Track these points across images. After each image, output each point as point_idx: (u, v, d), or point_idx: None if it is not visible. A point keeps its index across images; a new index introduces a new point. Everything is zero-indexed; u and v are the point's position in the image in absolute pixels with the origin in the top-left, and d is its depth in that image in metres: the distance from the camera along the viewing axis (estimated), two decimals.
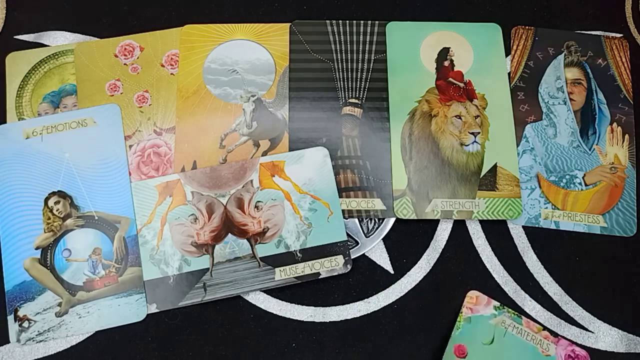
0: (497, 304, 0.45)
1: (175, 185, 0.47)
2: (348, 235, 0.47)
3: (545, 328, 0.44)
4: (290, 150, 0.48)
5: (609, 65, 0.53)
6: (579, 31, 0.54)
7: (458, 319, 0.44)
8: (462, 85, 0.51)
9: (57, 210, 0.46)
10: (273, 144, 0.49)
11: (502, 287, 0.47)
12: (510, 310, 0.44)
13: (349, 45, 0.52)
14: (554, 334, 0.44)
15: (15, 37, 0.52)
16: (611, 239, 0.48)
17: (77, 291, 0.45)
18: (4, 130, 0.48)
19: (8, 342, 0.44)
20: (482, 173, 0.49)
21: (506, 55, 0.53)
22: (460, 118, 0.50)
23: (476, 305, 0.44)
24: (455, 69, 0.52)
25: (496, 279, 0.47)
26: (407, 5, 0.54)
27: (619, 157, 0.50)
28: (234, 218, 0.46)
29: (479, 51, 0.52)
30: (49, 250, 0.45)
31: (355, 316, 0.45)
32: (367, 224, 0.48)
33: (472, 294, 0.45)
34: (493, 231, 0.48)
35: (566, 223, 0.48)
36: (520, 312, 0.46)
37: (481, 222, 0.48)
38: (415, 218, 0.47)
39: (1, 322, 0.44)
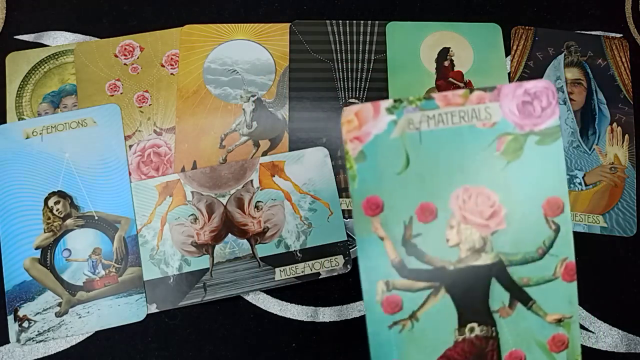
0: (389, 102, 0.28)
1: (175, 185, 0.47)
2: (348, 235, 0.47)
3: (469, 88, 0.28)
4: (290, 150, 0.48)
5: (609, 65, 0.53)
6: (579, 31, 0.54)
7: (348, 166, 0.28)
8: (462, 85, 0.51)
9: (57, 210, 0.46)
10: (273, 144, 0.49)
11: None
12: (411, 98, 0.28)
13: (349, 45, 0.52)
14: (490, 88, 0.28)
15: (15, 37, 0.52)
16: (611, 239, 0.48)
17: (77, 291, 0.45)
18: (4, 130, 0.48)
19: (8, 342, 0.44)
20: None
21: (506, 55, 0.53)
22: None
23: (360, 127, 0.28)
24: (455, 69, 0.52)
25: None
26: (407, 5, 0.54)
27: (619, 157, 0.50)
28: (234, 218, 0.46)
29: (479, 51, 0.52)
30: (49, 250, 0.45)
31: (355, 316, 0.45)
32: None
33: (348, 115, 0.28)
34: None
35: None
36: None
37: None
38: None
39: (1, 322, 0.44)
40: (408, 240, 0.28)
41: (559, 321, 0.28)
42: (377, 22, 0.52)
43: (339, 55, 0.51)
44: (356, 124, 0.28)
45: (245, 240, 0.46)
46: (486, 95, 0.28)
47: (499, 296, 0.28)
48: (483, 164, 0.28)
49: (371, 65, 0.51)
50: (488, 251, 0.28)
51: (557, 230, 0.28)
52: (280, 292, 0.46)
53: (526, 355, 0.28)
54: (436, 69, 0.52)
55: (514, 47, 0.53)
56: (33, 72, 0.50)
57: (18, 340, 0.44)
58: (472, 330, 0.28)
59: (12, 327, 0.44)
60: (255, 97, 0.50)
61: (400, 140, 0.28)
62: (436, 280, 0.28)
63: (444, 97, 0.28)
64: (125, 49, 0.51)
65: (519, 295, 0.28)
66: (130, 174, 0.47)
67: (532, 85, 0.28)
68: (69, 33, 0.52)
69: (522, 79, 0.52)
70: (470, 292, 0.28)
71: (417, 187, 0.28)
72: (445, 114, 0.28)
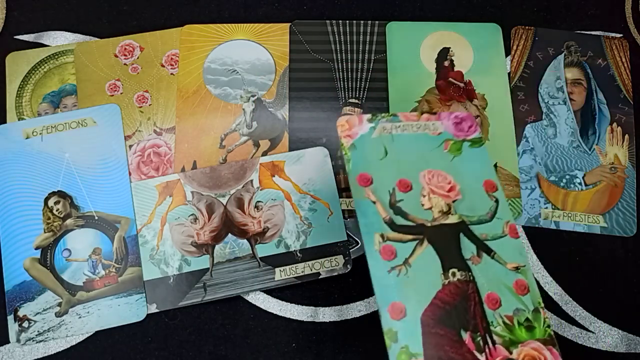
0: (369, 116, 0.40)
1: (175, 185, 0.47)
2: (348, 235, 0.47)
3: (424, 112, 0.42)
4: (290, 150, 0.48)
5: (609, 65, 0.53)
6: (579, 31, 0.54)
7: (344, 153, 0.39)
8: (462, 85, 0.51)
9: (57, 210, 0.46)
10: (273, 144, 0.49)
11: None
12: (382, 114, 0.41)
13: (349, 45, 0.52)
14: (432, 113, 0.42)
15: (15, 37, 0.52)
16: (611, 239, 0.48)
17: (77, 291, 0.45)
18: (3, 130, 0.48)
19: (8, 342, 0.44)
20: None
21: (506, 55, 0.53)
22: None
23: (350, 129, 0.40)
24: (455, 69, 0.52)
25: None
26: (407, 5, 0.54)
27: (619, 157, 0.50)
28: (234, 218, 0.46)
29: (479, 51, 0.52)
30: (49, 250, 0.45)
31: (355, 316, 0.45)
32: None
33: (341, 121, 0.40)
34: None
35: (566, 223, 0.48)
36: None
37: None
38: None
39: (1, 322, 0.44)
40: (394, 204, 0.37)
41: (516, 269, 0.36)
42: (377, 22, 0.52)
43: (339, 55, 0.51)
44: (347, 127, 0.40)
45: (245, 240, 0.46)
46: (432, 117, 0.41)
47: (468, 247, 0.36)
48: (437, 157, 0.39)
49: (371, 65, 0.51)
50: (453, 213, 0.37)
51: (497, 201, 0.38)
52: (280, 292, 0.46)
53: (501, 298, 0.35)
54: (436, 69, 0.52)
55: (514, 47, 0.53)
56: (33, 72, 0.50)
57: (18, 340, 0.44)
58: (454, 274, 0.35)
59: (12, 327, 0.44)
60: (255, 97, 0.50)
61: (379, 139, 0.40)
62: (419, 233, 0.36)
63: (405, 116, 0.41)
64: (125, 49, 0.51)
65: (482, 246, 0.36)
66: (130, 174, 0.47)
67: (459, 114, 0.41)
68: (69, 33, 0.52)
69: (522, 79, 0.52)
70: (446, 243, 0.36)
71: (395, 168, 0.38)
72: (407, 125, 0.40)
